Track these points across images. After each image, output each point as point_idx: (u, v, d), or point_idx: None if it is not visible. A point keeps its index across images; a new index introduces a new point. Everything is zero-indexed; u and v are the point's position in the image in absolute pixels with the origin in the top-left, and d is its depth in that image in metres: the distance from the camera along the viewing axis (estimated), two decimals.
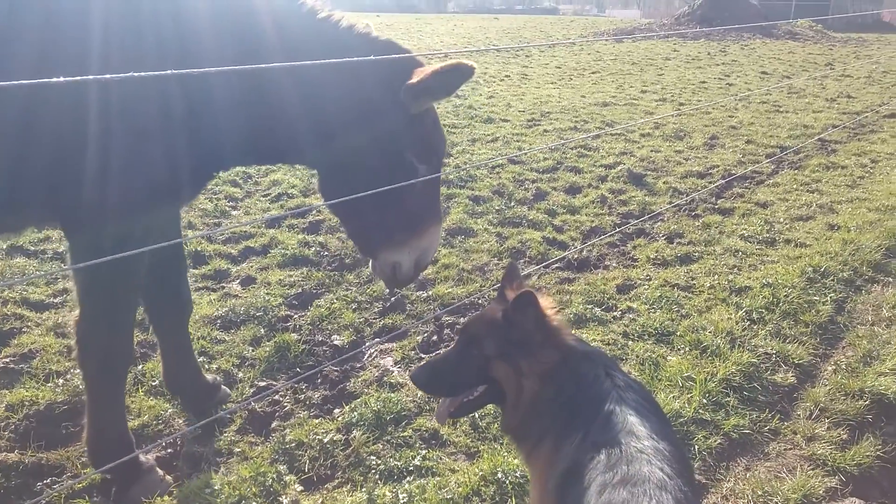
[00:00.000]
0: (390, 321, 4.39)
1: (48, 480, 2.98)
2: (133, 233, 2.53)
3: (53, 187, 2.42)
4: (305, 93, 2.56)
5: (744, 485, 3.02)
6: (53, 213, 2.58)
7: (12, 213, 2.55)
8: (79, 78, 1.62)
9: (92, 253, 2.50)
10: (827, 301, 4.60)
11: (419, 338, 4.19)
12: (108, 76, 1.66)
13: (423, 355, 4.02)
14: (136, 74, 1.66)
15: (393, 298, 4.63)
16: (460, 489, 2.91)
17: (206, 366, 3.80)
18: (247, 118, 2.58)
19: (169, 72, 1.78)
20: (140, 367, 3.72)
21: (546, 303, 2.11)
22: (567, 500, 1.74)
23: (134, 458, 2.83)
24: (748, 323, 4.29)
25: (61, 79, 1.56)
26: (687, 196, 6.97)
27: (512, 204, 6.62)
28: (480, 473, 2.98)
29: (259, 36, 2.54)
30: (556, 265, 5.30)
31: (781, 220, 6.28)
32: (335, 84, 2.56)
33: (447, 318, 4.41)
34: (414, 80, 2.54)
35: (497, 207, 6.48)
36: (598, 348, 2.19)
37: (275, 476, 2.97)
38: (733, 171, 7.87)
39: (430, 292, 4.79)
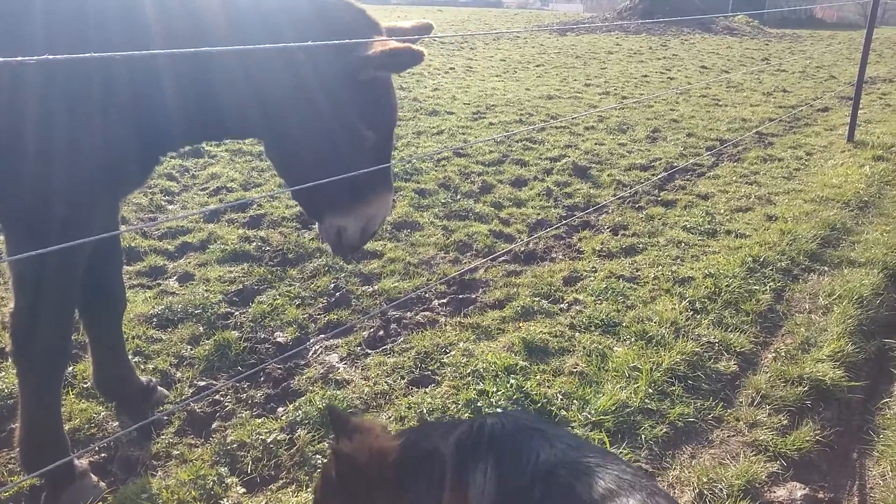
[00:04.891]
0: (335, 317, 4.31)
1: None
2: (74, 220, 2.42)
3: None
4: (250, 59, 2.47)
5: (689, 472, 3.05)
6: None
7: None
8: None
9: (30, 240, 2.40)
10: (766, 290, 4.69)
11: (365, 333, 4.13)
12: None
13: (369, 351, 3.96)
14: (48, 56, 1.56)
15: (338, 294, 4.55)
16: None
17: (142, 366, 3.66)
18: (192, 91, 2.49)
19: (89, 54, 1.68)
20: (71, 368, 3.55)
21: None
22: None
23: (68, 462, 2.70)
24: (692, 313, 4.35)
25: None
26: (631, 188, 7.04)
27: (458, 197, 6.59)
28: None
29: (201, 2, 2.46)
30: (503, 258, 5.29)
31: (722, 211, 6.40)
32: (281, 49, 2.48)
33: (393, 313, 4.36)
34: (369, 52, 2.47)
35: (443, 200, 6.44)
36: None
37: (216, 478, 2.87)
38: (675, 164, 8.00)
39: (377, 287, 4.72)
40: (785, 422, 3.38)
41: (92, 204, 2.51)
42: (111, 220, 2.93)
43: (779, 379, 3.69)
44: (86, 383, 3.45)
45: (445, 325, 4.22)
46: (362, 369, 3.77)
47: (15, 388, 3.14)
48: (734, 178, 7.51)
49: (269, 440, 3.12)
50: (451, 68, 15.80)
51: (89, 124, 2.33)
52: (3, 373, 3.50)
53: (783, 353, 3.95)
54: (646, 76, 15.48)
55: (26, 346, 2.60)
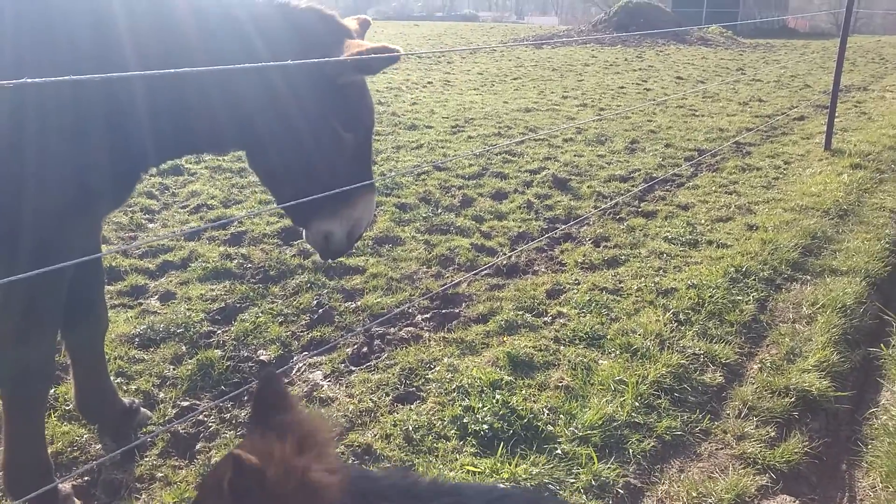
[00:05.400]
0: (318, 333, 4.27)
1: None
2: (55, 242, 2.41)
3: None
4: (226, 73, 2.46)
5: (678, 487, 3.04)
6: None
7: None
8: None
9: (10, 262, 2.38)
10: (750, 300, 4.72)
11: (349, 350, 4.09)
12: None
13: (353, 367, 3.92)
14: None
15: (321, 310, 4.50)
16: None
17: (125, 387, 3.59)
18: (169, 107, 2.48)
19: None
20: (53, 390, 3.48)
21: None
22: None
23: (52, 487, 2.65)
24: (676, 324, 4.35)
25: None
26: (611, 200, 7.07)
27: (439, 211, 6.58)
28: None
29: (172, 14, 2.44)
30: (486, 272, 5.27)
31: (703, 221, 6.44)
32: (253, 59, 2.47)
33: (377, 329, 4.32)
34: (344, 55, 2.51)
35: (424, 215, 6.42)
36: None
37: None
38: (654, 175, 8.05)
39: (359, 302, 4.68)
40: (773, 433, 3.39)
41: (72, 225, 2.48)
42: (93, 239, 2.89)
43: (765, 390, 3.70)
44: (68, 405, 3.39)
45: (429, 341, 4.19)
46: (346, 386, 3.73)
47: None
48: (714, 188, 7.56)
49: None
50: (428, 82, 15.83)
51: (64, 145, 2.30)
52: None
53: (769, 364, 3.96)
54: (622, 87, 15.61)
55: (10, 366, 2.56)
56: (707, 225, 6.34)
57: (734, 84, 16.35)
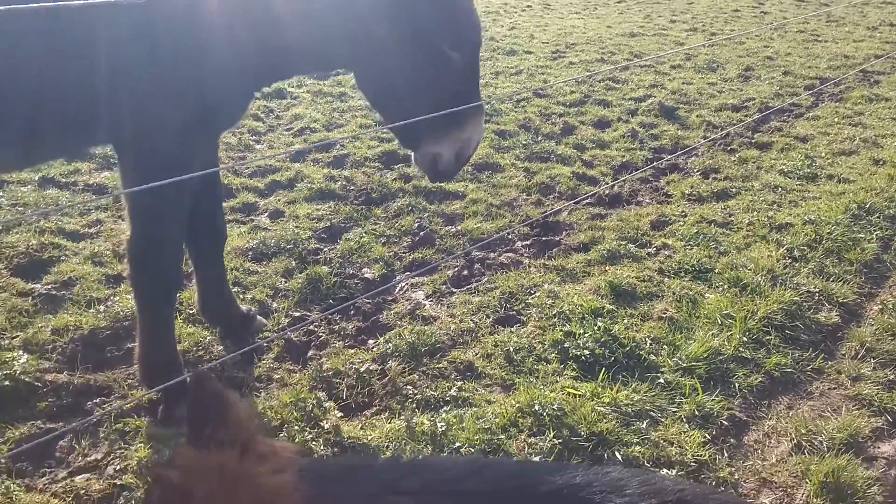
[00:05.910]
0: (420, 255, 4.34)
1: (97, 400, 3.04)
2: (182, 154, 2.55)
3: (100, 109, 2.42)
4: None
5: (786, 423, 2.98)
6: (103, 134, 2.61)
7: (68, 136, 2.58)
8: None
9: (142, 173, 2.55)
10: (872, 239, 4.47)
11: (449, 272, 4.14)
12: None
13: (454, 289, 3.98)
14: None
15: (422, 233, 4.56)
16: (497, 420, 2.90)
17: (241, 296, 3.78)
18: (283, 25, 2.54)
19: None
20: (178, 295, 3.71)
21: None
22: None
23: (181, 379, 2.86)
24: (789, 261, 4.19)
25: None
26: (722, 130, 6.77)
27: (539, 138, 6.46)
28: (517, 405, 2.97)
29: None
30: (587, 201, 5.19)
31: (823, 154, 6.09)
32: None
33: (477, 253, 4.35)
34: None
35: (524, 142, 6.33)
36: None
37: (315, 402, 2.99)
38: (770, 104, 7.62)
39: (459, 227, 4.71)
40: (892, 376, 3.26)
41: (194, 139, 2.63)
42: (212, 155, 3.01)
43: (885, 332, 3.55)
44: (192, 310, 3.60)
45: (529, 267, 4.20)
46: (448, 307, 3.80)
47: (131, 310, 3.32)
48: (836, 120, 7.11)
49: (361, 370, 3.21)
50: (527, 6, 15.33)
51: (187, 63, 2.40)
52: (119, 297, 3.68)
53: (891, 306, 3.77)
54: (736, 11, 14.69)
55: (143, 271, 2.76)
56: (828, 158, 5.99)
57: (862, 7, 15.12)
